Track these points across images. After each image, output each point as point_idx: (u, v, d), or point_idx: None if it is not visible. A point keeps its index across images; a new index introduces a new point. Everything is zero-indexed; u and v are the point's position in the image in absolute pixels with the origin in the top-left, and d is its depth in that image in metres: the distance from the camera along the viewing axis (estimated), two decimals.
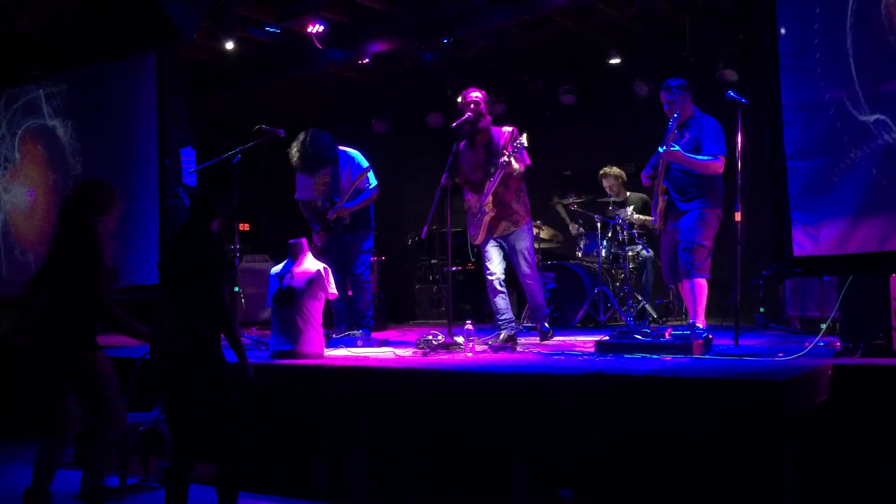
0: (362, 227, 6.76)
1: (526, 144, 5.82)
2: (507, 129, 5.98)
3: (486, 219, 5.95)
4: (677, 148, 5.85)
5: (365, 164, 6.67)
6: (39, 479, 4.30)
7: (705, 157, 5.85)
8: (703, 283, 5.88)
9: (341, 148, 6.70)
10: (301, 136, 6.51)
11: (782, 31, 4.96)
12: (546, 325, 6.18)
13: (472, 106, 5.96)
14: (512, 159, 5.77)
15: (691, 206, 5.93)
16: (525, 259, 6.00)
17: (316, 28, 7.97)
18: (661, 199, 6.06)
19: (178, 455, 4.09)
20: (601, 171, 8.47)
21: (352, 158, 6.68)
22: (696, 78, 8.78)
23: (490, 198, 5.91)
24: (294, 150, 6.51)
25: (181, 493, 4.06)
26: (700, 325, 5.81)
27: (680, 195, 5.99)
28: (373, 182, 6.68)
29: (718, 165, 5.85)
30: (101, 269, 4.37)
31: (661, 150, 5.93)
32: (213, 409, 4.02)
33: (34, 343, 4.40)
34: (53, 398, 4.41)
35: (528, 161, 5.98)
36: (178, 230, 4.47)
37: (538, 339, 6.22)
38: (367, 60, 8.91)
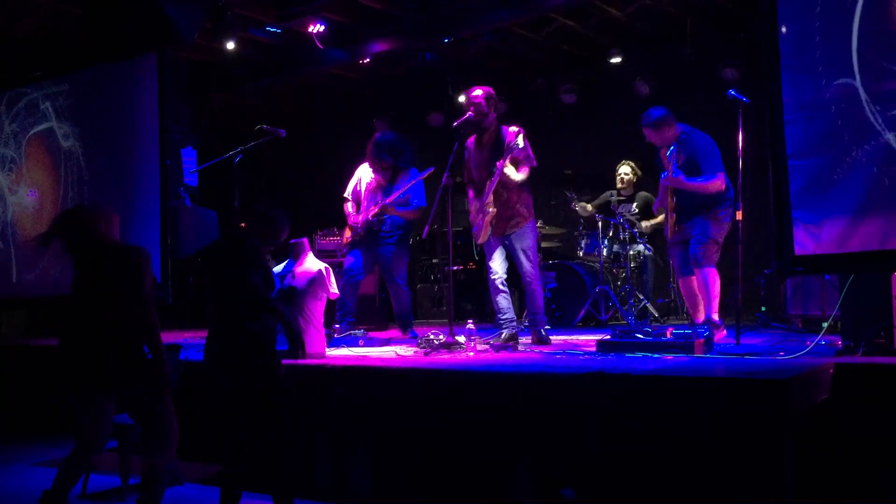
0: (401, 243, 6.96)
1: (521, 145, 5.78)
2: (513, 128, 5.95)
3: (488, 218, 5.94)
4: (679, 176, 5.88)
5: (415, 176, 6.88)
6: (61, 483, 4.25)
7: (705, 179, 5.87)
8: (714, 273, 5.92)
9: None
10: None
11: (783, 29, 4.95)
12: (543, 331, 6.09)
13: (473, 106, 5.96)
14: (510, 171, 5.78)
15: (704, 211, 5.98)
16: (527, 258, 5.97)
17: (317, 28, 7.98)
18: (671, 215, 6.14)
19: (233, 460, 4.15)
20: (624, 161, 8.43)
21: (413, 172, 6.93)
22: (697, 77, 8.85)
23: (491, 197, 5.89)
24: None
25: (237, 495, 4.13)
26: (715, 318, 5.85)
27: (691, 206, 6.03)
28: (422, 200, 6.90)
29: (719, 183, 5.87)
30: (147, 277, 4.23)
31: (663, 176, 5.98)
32: (276, 420, 4.11)
33: (78, 352, 4.23)
34: (90, 408, 4.31)
35: (535, 163, 5.97)
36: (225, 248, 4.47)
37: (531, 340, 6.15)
38: (367, 60, 8.91)
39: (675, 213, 6.08)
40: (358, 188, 7.07)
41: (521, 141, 5.76)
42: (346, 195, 7.12)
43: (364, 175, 7.06)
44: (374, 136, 6.97)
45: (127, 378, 4.16)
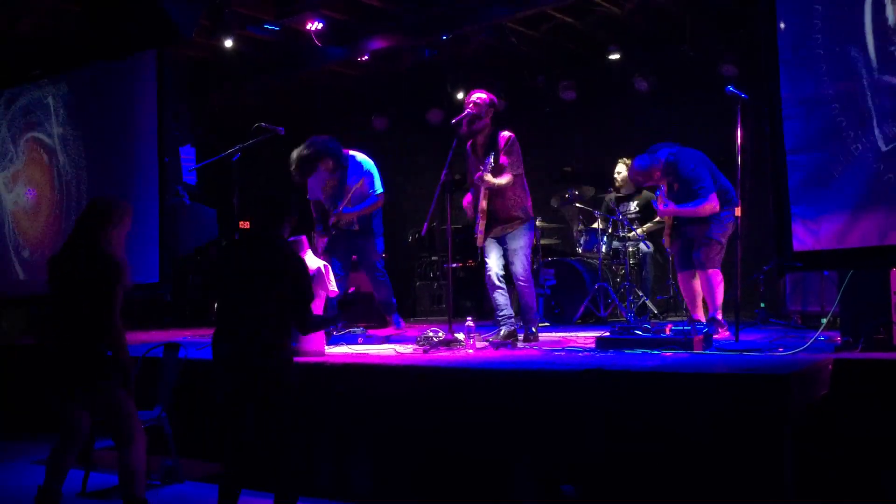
0: (371, 234, 6.89)
1: (492, 163, 5.78)
2: (505, 133, 5.96)
3: (482, 226, 5.96)
4: (669, 206, 6.08)
5: (367, 167, 6.73)
6: (51, 479, 4.29)
7: (696, 204, 5.98)
8: (718, 274, 6.03)
9: (351, 153, 6.80)
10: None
11: (781, 25, 4.94)
12: (533, 328, 6.08)
13: (471, 106, 5.97)
14: (488, 177, 5.78)
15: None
16: (519, 260, 5.96)
17: (315, 25, 7.97)
18: (668, 226, 6.27)
19: (233, 460, 4.14)
20: (619, 159, 8.42)
21: (359, 164, 6.76)
22: (697, 74, 8.84)
23: (484, 202, 5.89)
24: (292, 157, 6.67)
25: (235, 495, 4.12)
26: (719, 318, 5.96)
27: (690, 219, 6.14)
28: (378, 188, 6.75)
29: (711, 206, 5.97)
30: (119, 287, 4.27)
31: (654, 204, 6.26)
32: (282, 416, 4.10)
33: (51, 353, 4.32)
34: (66, 402, 4.37)
35: (520, 170, 5.96)
36: (237, 238, 4.44)
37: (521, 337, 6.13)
38: (366, 57, 8.90)
39: (671, 229, 6.23)
40: (316, 192, 6.93)
41: (493, 160, 5.79)
42: (308, 197, 7.01)
43: (316, 179, 6.88)
44: (304, 153, 6.63)
45: (90, 376, 4.23)
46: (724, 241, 6.03)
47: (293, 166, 6.64)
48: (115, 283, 4.25)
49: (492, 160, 5.78)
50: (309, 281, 4.20)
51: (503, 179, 5.84)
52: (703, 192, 5.96)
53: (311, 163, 6.64)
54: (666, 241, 6.31)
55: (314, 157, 6.62)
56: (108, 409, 4.30)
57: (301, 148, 6.65)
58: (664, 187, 6.16)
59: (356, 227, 6.74)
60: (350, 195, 6.61)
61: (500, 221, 5.99)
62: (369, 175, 6.71)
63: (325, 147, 6.66)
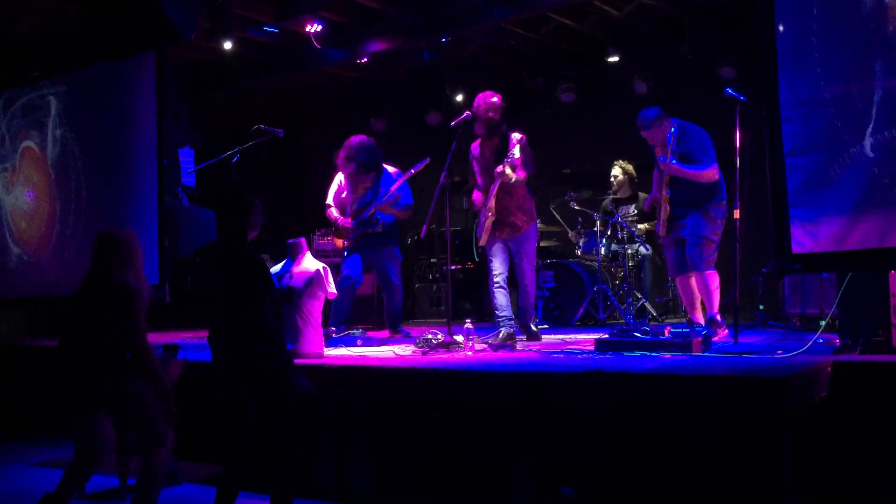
0: (394, 239, 7.06)
1: (517, 156, 5.86)
2: (516, 135, 6.03)
3: (488, 224, 6.01)
4: (675, 162, 5.93)
5: (400, 177, 6.92)
6: (65, 488, 4.29)
7: (698, 168, 5.92)
8: (714, 274, 5.98)
9: (386, 166, 7.01)
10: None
11: (780, 28, 4.95)
12: (533, 326, 6.23)
13: (491, 112, 6.08)
14: (507, 169, 5.83)
15: (696, 206, 6.00)
16: (527, 261, 6.14)
17: (314, 28, 7.97)
18: (664, 207, 6.12)
19: (233, 461, 4.15)
20: (615, 162, 8.43)
21: (397, 172, 6.97)
22: (695, 75, 8.85)
23: (493, 202, 5.95)
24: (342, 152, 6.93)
25: (233, 496, 4.13)
26: (717, 318, 5.91)
27: (684, 200, 6.04)
28: (411, 199, 6.96)
29: (713, 172, 5.93)
30: (139, 312, 4.30)
31: (661, 159, 6.02)
32: (281, 420, 4.11)
33: (68, 369, 4.32)
34: (86, 418, 4.34)
35: (533, 170, 6.07)
36: (212, 249, 4.48)
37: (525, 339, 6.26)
38: (365, 60, 8.90)
39: (667, 207, 6.10)
40: (341, 194, 7.06)
41: (517, 151, 5.86)
42: (328, 202, 7.12)
43: (345, 180, 7.05)
44: (353, 143, 6.91)
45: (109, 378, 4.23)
46: (715, 238, 5.99)
47: (354, 150, 6.84)
48: (130, 306, 4.28)
49: (515, 153, 5.82)
50: (269, 279, 4.25)
51: (521, 176, 5.91)
52: (707, 158, 5.92)
53: (375, 162, 6.87)
54: (661, 229, 6.25)
55: (377, 159, 6.88)
56: (135, 410, 4.30)
57: (366, 140, 6.89)
58: (674, 130, 5.99)
59: (379, 229, 6.82)
60: (386, 197, 6.80)
61: (506, 223, 6.05)
62: (404, 185, 6.90)
63: (373, 157, 6.91)
